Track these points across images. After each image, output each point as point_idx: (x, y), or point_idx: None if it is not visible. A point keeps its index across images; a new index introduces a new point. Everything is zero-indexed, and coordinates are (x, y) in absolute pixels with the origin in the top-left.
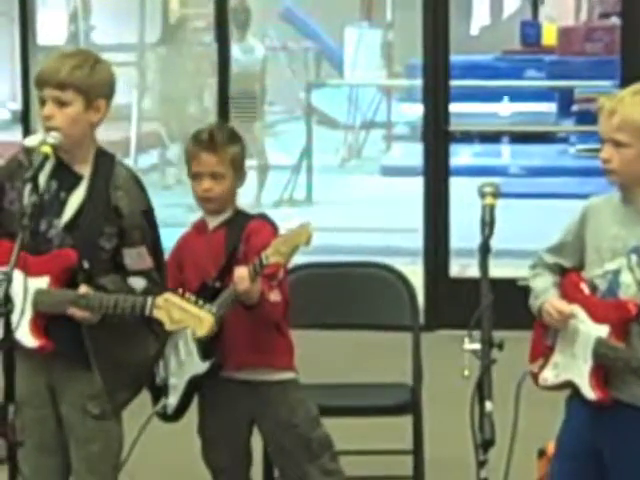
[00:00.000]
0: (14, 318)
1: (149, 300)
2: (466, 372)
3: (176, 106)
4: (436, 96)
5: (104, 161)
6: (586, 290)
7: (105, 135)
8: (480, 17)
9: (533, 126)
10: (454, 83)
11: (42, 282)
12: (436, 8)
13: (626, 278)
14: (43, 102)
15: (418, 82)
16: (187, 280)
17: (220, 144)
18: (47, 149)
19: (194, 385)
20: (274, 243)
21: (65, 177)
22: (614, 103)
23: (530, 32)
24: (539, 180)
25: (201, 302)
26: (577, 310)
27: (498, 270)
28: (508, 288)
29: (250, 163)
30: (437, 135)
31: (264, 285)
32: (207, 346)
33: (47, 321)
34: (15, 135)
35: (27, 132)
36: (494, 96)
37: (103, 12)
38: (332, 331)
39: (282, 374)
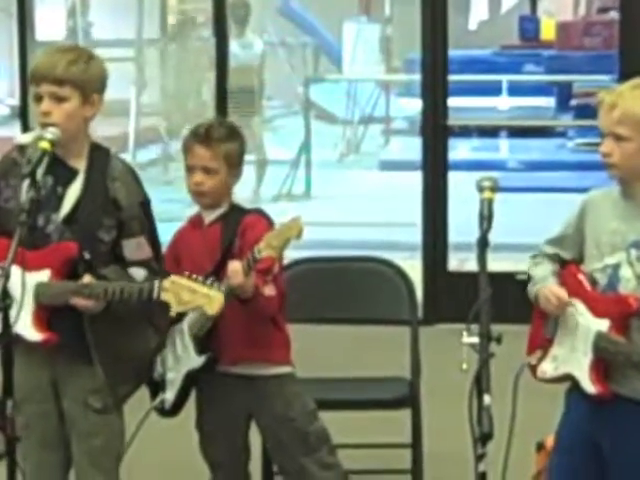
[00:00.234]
0: (13, 313)
1: (156, 283)
2: (464, 366)
3: (175, 101)
4: (434, 91)
5: (99, 155)
6: (586, 284)
7: (104, 130)
8: (478, 12)
9: (532, 120)
10: (453, 78)
11: (43, 275)
12: (434, 3)
13: (626, 272)
14: (38, 98)
15: (417, 77)
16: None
17: (215, 139)
18: (45, 145)
19: (191, 380)
20: (266, 237)
21: (61, 172)
22: (614, 97)
23: (528, 27)
24: (537, 174)
25: (209, 281)
26: (577, 304)
27: (496, 264)
28: (506, 282)
29: (248, 158)
30: (436, 130)
31: (258, 279)
32: (203, 341)
33: (49, 314)
34: (14, 131)
35: (25, 128)
36: (493, 91)
37: (101, 8)
38: (331, 325)
39: (278, 368)
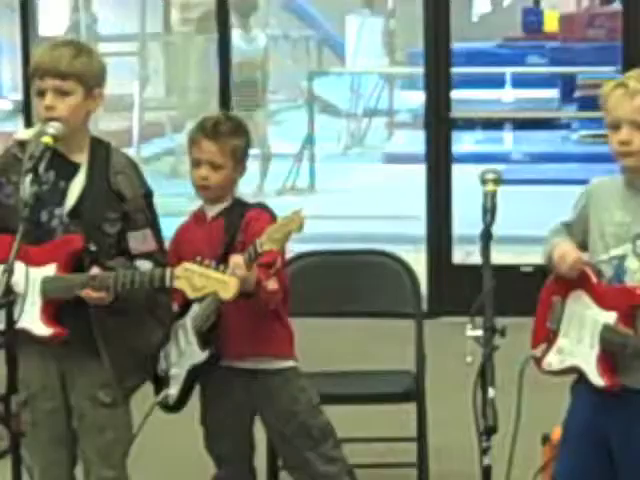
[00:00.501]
0: (17, 309)
1: (168, 271)
2: (468, 359)
3: (178, 95)
4: (438, 83)
5: (100, 148)
6: (592, 276)
7: (108, 125)
8: (481, 4)
9: (535, 112)
10: (456, 70)
11: (49, 270)
12: None
13: (632, 264)
14: (41, 92)
15: (420, 70)
16: None
17: (223, 134)
18: (48, 140)
19: (194, 375)
20: (267, 230)
21: (62, 166)
22: (637, 84)
23: (532, 19)
24: (542, 166)
25: (222, 267)
26: (583, 296)
27: (501, 256)
28: (511, 274)
29: (252, 152)
30: (439, 122)
31: (261, 273)
32: (206, 335)
33: (57, 309)
34: (17, 126)
35: (28, 123)
36: (496, 83)
37: (104, 2)
38: (335, 319)
39: (282, 362)
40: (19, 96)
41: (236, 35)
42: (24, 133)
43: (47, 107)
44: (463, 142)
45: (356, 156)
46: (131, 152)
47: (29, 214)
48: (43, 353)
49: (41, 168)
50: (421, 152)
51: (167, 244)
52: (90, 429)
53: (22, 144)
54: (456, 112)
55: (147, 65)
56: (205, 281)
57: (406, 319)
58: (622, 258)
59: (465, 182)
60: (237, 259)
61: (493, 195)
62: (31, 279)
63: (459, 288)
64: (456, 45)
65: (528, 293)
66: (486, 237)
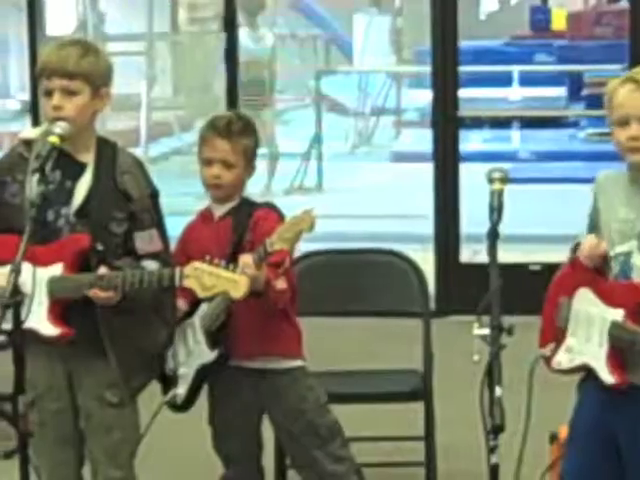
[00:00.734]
0: (24, 309)
1: (177, 270)
2: (475, 357)
3: (186, 95)
4: (445, 82)
5: (106, 148)
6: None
7: (115, 124)
8: (489, 2)
9: (543, 111)
10: (463, 69)
11: (56, 269)
12: None
13: (638, 261)
14: (48, 92)
15: (427, 68)
16: None
17: (235, 133)
18: (55, 139)
19: (203, 374)
20: (278, 230)
21: (68, 166)
22: None
23: (539, 17)
24: (549, 165)
25: (232, 266)
26: (589, 294)
27: (508, 255)
28: (518, 273)
29: (260, 151)
30: (446, 121)
31: (270, 272)
32: (215, 335)
33: (64, 309)
34: (24, 125)
35: (36, 122)
36: (504, 81)
37: (112, 2)
38: (342, 318)
39: (290, 362)
40: (26, 96)
41: (244, 34)
42: (30, 132)
43: (55, 107)
44: (470, 141)
45: (364, 155)
46: (139, 152)
47: (36, 214)
48: (50, 353)
49: (47, 168)
50: (428, 151)
51: (174, 243)
52: (97, 429)
53: (28, 143)
54: (463, 111)
55: (155, 64)
56: (215, 280)
57: (413, 318)
58: (628, 255)
59: (472, 181)
60: (247, 258)
61: (500, 194)
62: (37, 279)
63: (467, 287)
64: (463, 43)
65: (536, 292)
66: (493, 236)
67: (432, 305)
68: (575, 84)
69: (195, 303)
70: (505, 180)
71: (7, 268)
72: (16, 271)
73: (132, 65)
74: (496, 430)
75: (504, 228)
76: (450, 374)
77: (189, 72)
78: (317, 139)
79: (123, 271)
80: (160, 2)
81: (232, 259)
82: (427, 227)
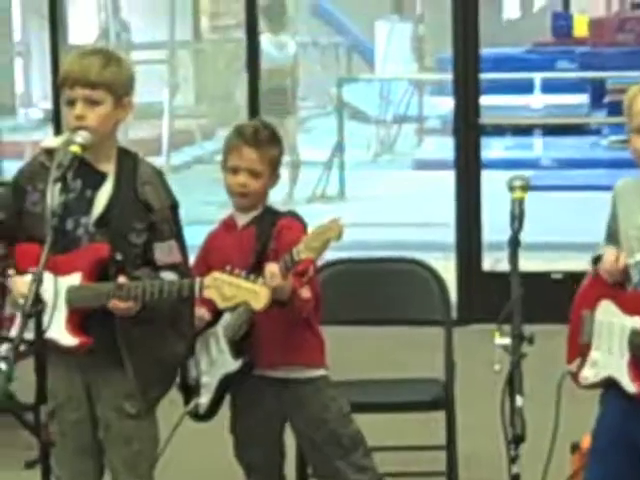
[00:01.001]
0: (45, 319)
1: (197, 281)
2: (497, 367)
3: (208, 103)
4: (467, 89)
5: (127, 159)
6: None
7: (137, 133)
8: (511, 9)
9: (565, 118)
10: (485, 76)
11: (74, 279)
12: (466, 1)
13: None
14: (71, 102)
15: (449, 76)
16: None
17: (263, 141)
18: (76, 149)
19: (226, 384)
20: (305, 239)
21: (89, 175)
22: None
23: (561, 23)
24: (571, 172)
25: (252, 277)
26: (610, 305)
27: (530, 263)
28: (541, 281)
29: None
30: (468, 128)
31: (295, 281)
32: (239, 344)
33: (82, 318)
34: (47, 134)
35: (58, 131)
36: (525, 88)
37: (134, 10)
38: (364, 327)
39: (314, 371)
40: (49, 105)
41: (266, 41)
42: (52, 141)
43: (77, 116)
44: (492, 148)
45: (386, 163)
46: (161, 160)
47: (57, 223)
48: (68, 363)
49: (69, 177)
50: (450, 158)
51: (196, 252)
52: (116, 440)
53: (49, 152)
54: (485, 118)
55: (177, 73)
56: (235, 291)
57: (435, 326)
58: None
59: (494, 188)
60: (273, 268)
61: (521, 202)
62: (57, 288)
63: (489, 295)
64: (485, 51)
65: (558, 300)
66: (514, 244)
67: (454, 314)
68: (597, 91)
69: (218, 312)
70: (526, 188)
71: (29, 276)
72: (38, 280)
73: (154, 73)
74: (517, 440)
75: (526, 236)
76: (472, 383)
77: (211, 80)
78: (339, 147)
79: (142, 282)
80: (182, 10)
81: (256, 268)
82: (449, 235)
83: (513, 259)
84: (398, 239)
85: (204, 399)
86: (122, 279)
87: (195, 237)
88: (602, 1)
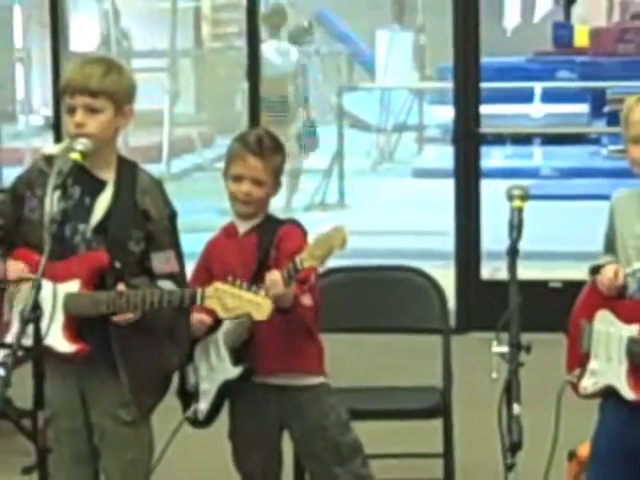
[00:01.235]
0: (43, 325)
1: (199, 290)
2: (494, 375)
3: (208, 111)
4: (467, 98)
5: (127, 167)
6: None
7: (137, 141)
8: (511, 19)
9: (565, 127)
10: (485, 85)
11: (72, 286)
12: (467, 10)
13: None
14: (72, 110)
15: (450, 85)
16: None
17: (267, 150)
18: (77, 156)
19: (225, 390)
20: (308, 247)
21: (88, 183)
22: None
23: (562, 33)
24: (571, 181)
25: (254, 288)
26: (607, 314)
27: (528, 272)
28: (538, 290)
29: None
30: (468, 137)
31: (297, 289)
32: (239, 351)
33: (78, 325)
34: (48, 141)
35: (58, 138)
36: (526, 98)
37: (135, 18)
38: (363, 334)
39: (313, 379)
40: (49, 112)
41: (267, 49)
42: (52, 148)
43: (77, 124)
44: (492, 157)
45: (385, 171)
46: (161, 168)
47: (57, 230)
48: (64, 370)
49: (68, 184)
50: (450, 167)
51: (195, 259)
52: (112, 447)
53: (49, 159)
54: (485, 127)
55: (177, 81)
56: (238, 302)
57: (434, 335)
58: None
59: (494, 197)
60: (275, 276)
61: (519, 211)
62: (55, 295)
63: (487, 304)
64: (485, 60)
65: (556, 309)
66: (513, 253)
67: (452, 322)
68: (597, 101)
69: (218, 319)
70: (525, 197)
71: (28, 284)
72: (37, 287)
73: (155, 81)
74: (514, 448)
75: (525, 245)
76: (469, 391)
77: (212, 88)
78: (339, 155)
79: (142, 290)
80: (183, 18)
81: (257, 276)
82: (448, 244)
83: (512, 268)
84: (397, 247)
85: (203, 405)
86: (122, 287)
87: (194, 245)
88: (603, 11)
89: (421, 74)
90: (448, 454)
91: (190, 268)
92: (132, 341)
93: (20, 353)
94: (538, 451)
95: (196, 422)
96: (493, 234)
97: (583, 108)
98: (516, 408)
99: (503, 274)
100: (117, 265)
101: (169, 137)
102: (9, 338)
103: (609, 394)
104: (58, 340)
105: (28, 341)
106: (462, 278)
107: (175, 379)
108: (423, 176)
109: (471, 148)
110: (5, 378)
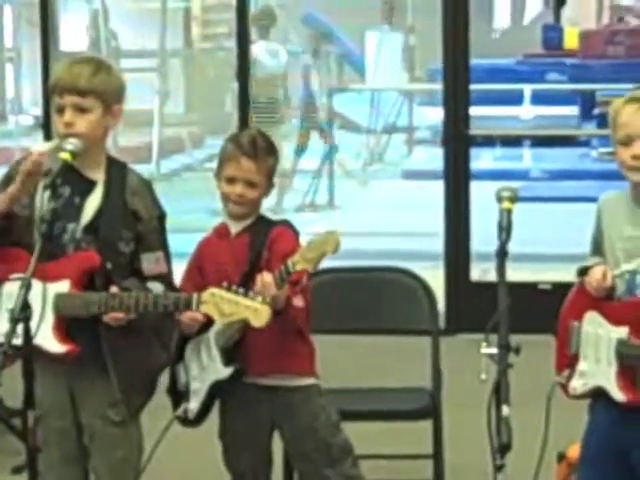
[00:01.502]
0: (33, 324)
1: (194, 296)
2: (483, 376)
3: (198, 111)
4: (456, 100)
5: (116, 168)
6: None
7: (127, 141)
8: (501, 21)
9: (555, 130)
10: (475, 87)
11: (62, 286)
12: (456, 12)
13: None
14: (60, 109)
15: (439, 86)
16: (208, 284)
17: (260, 152)
18: (67, 156)
19: (216, 390)
20: (301, 250)
21: (77, 182)
22: None
23: (552, 35)
24: (561, 184)
25: (251, 293)
26: (596, 316)
27: (517, 274)
28: (527, 292)
29: None
30: (458, 139)
31: (288, 290)
32: (230, 352)
33: (68, 326)
34: (38, 141)
35: (48, 138)
36: (515, 99)
37: (124, 18)
38: (351, 335)
39: (304, 380)
40: (39, 111)
41: (257, 50)
42: (42, 146)
43: (66, 123)
44: (482, 159)
45: (375, 172)
46: (150, 168)
47: (47, 230)
48: (54, 371)
49: (58, 183)
50: (440, 169)
51: (184, 260)
52: (101, 447)
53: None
54: (475, 129)
55: (167, 81)
56: (235, 308)
57: (423, 336)
58: (634, 273)
59: (483, 199)
60: (267, 278)
61: (509, 213)
62: (44, 295)
63: (477, 305)
64: (475, 61)
65: (545, 311)
66: (502, 255)
67: (441, 323)
68: (587, 103)
69: (210, 318)
70: (514, 199)
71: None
72: (27, 286)
73: (145, 81)
74: (503, 449)
75: (514, 247)
76: (459, 392)
77: (202, 88)
78: (329, 156)
79: (135, 292)
80: (173, 19)
81: (249, 276)
82: (437, 245)
83: (501, 269)
84: (387, 248)
85: (193, 404)
86: (114, 289)
87: (184, 245)
88: (593, 13)
89: (411, 75)
90: (437, 455)
91: (180, 268)
92: (121, 341)
93: (10, 352)
94: (527, 452)
95: (186, 421)
96: (482, 236)
97: (573, 110)
98: (505, 409)
99: (492, 276)
100: (108, 266)
101: (159, 137)
102: None
103: (599, 395)
104: (48, 340)
105: (18, 340)
106: (451, 279)
107: (165, 377)
108: (413, 177)
109: (461, 150)
110: None
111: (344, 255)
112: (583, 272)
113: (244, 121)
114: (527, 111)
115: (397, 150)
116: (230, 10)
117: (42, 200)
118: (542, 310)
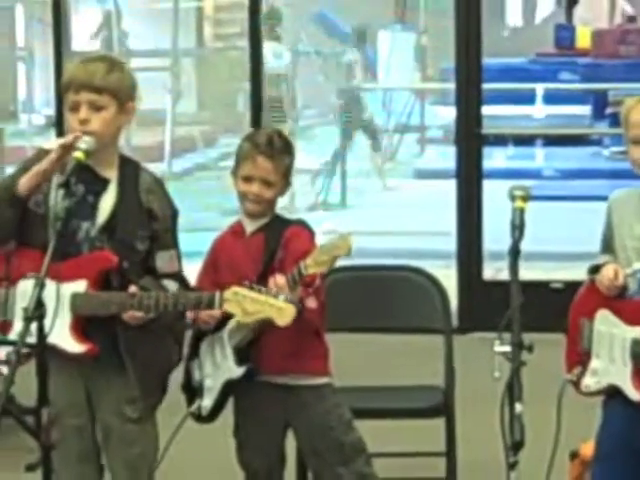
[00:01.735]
0: (47, 323)
1: (217, 294)
2: (496, 374)
3: (210, 110)
4: (469, 99)
5: (129, 167)
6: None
7: (140, 140)
8: (513, 20)
9: (567, 129)
10: (487, 86)
11: (78, 286)
12: (469, 11)
13: None
14: (75, 107)
15: (451, 85)
16: (223, 283)
17: (277, 151)
18: (80, 154)
19: (229, 388)
20: (313, 253)
21: (91, 181)
22: None
23: (564, 35)
24: (573, 183)
25: (274, 291)
26: (608, 315)
27: (530, 273)
28: (539, 290)
29: None
30: (470, 138)
31: (302, 292)
32: (244, 351)
33: (84, 325)
34: (50, 140)
35: (61, 136)
36: (528, 99)
37: (137, 17)
38: (365, 334)
39: (318, 379)
40: (51, 111)
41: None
42: (54, 143)
43: (81, 120)
44: (494, 158)
45: (388, 172)
46: (163, 167)
47: (61, 228)
48: (70, 370)
49: (72, 182)
50: (452, 168)
51: (197, 259)
52: (118, 444)
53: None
54: (487, 128)
55: (179, 80)
56: (259, 306)
57: (436, 335)
58: None
59: (496, 198)
60: (280, 280)
61: (521, 211)
62: (60, 294)
63: (489, 304)
64: (487, 61)
65: (558, 310)
66: (514, 253)
67: (454, 322)
68: (599, 102)
69: (224, 317)
70: (527, 198)
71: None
72: (40, 285)
73: (157, 81)
74: (516, 446)
75: (527, 245)
76: (472, 390)
77: (214, 88)
78: (341, 156)
79: (155, 292)
80: (185, 18)
81: (264, 275)
82: (450, 244)
83: (513, 268)
84: (399, 247)
85: (207, 402)
86: (134, 289)
87: (197, 244)
88: (605, 13)
89: (423, 75)
90: (450, 453)
91: (194, 267)
92: (139, 339)
93: (24, 350)
94: (540, 449)
95: (200, 418)
96: (495, 234)
97: (585, 110)
98: (518, 407)
99: (505, 274)
100: (125, 265)
101: (171, 136)
102: (13, 335)
103: (613, 392)
104: (66, 340)
105: (32, 339)
106: (464, 278)
107: (180, 374)
108: (425, 177)
109: (473, 149)
110: (9, 376)
111: (356, 254)
112: (594, 270)
113: (256, 120)
114: (539, 110)
115: (409, 149)
116: (242, 10)
117: (56, 198)
118: (554, 309)
